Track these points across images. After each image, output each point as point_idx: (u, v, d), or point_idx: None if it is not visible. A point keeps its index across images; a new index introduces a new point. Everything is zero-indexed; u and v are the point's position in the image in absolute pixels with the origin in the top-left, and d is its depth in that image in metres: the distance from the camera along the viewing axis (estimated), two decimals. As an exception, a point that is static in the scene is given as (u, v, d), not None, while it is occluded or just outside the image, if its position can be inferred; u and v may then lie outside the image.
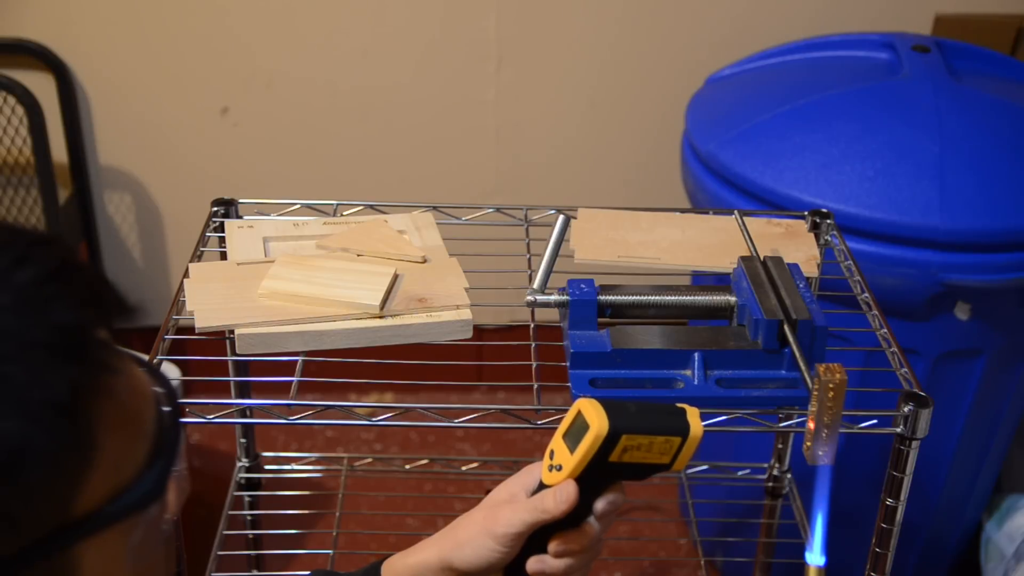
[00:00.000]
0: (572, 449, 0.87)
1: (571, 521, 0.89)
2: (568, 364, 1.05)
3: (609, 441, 0.85)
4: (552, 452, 0.89)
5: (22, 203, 2.10)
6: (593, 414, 0.86)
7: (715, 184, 1.67)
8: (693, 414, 0.88)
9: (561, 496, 0.87)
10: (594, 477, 0.88)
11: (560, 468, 0.88)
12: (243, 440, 1.50)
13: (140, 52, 2.07)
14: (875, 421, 1.01)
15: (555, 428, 0.90)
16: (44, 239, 0.59)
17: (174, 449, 0.64)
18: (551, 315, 1.09)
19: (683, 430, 0.87)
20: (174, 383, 0.73)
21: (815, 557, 0.87)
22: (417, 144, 2.18)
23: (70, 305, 0.57)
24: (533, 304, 1.08)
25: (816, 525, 0.89)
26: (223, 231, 1.24)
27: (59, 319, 0.56)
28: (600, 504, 0.89)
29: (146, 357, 0.80)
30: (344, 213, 1.31)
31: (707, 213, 1.31)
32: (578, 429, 0.87)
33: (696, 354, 1.03)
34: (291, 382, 1.03)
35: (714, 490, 1.83)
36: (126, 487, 0.60)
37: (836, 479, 1.77)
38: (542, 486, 0.90)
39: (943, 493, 1.77)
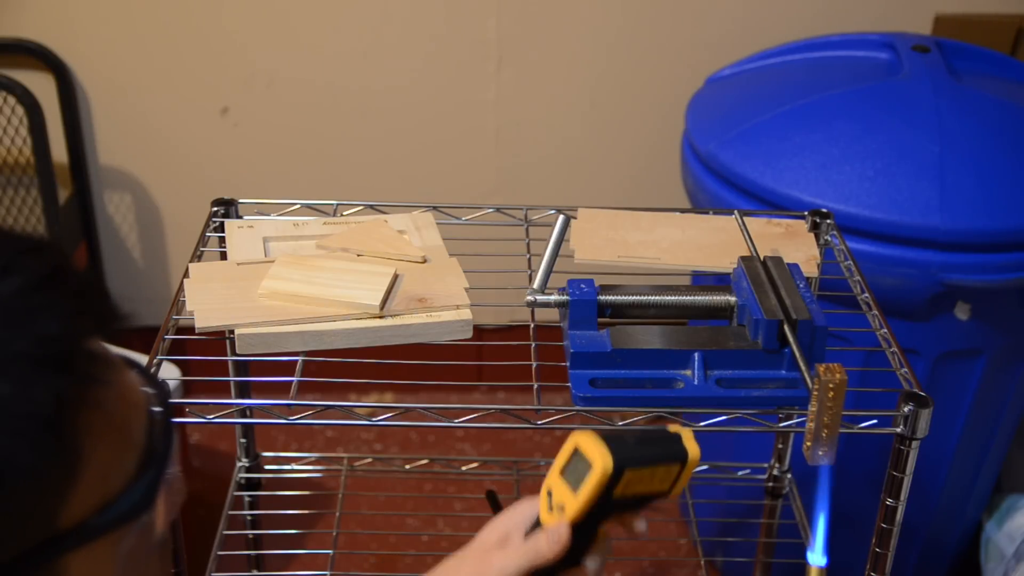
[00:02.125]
0: (575, 488, 0.84)
1: (569, 559, 0.87)
2: (568, 364, 1.05)
3: (614, 478, 0.83)
4: (551, 492, 0.87)
5: (22, 203, 2.10)
6: (595, 451, 0.83)
7: (715, 184, 1.67)
8: (688, 437, 0.88)
9: (554, 538, 0.86)
10: (595, 513, 0.86)
11: (563, 508, 0.85)
12: (243, 440, 1.50)
13: (140, 52, 2.07)
14: (875, 421, 1.01)
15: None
16: (35, 246, 0.58)
17: (164, 459, 0.62)
18: (551, 315, 1.09)
19: (682, 456, 0.87)
20: (174, 383, 0.73)
21: (816, 557, 0.87)
22: (417, 144, 2.18)
23: (57, 315, 0.56)
24: (533, 304, 1.08)
25: (818, 525, 0.89)
26: (223, 231, 1.24)
27: (45, 330, 0.55)
28: (591, 563, 0.88)
29: (143, 359, 0.80)
30: (344, 213, 1.31)
31: (707, 213, 1.31)
32: (578, 466, 0.84)
33: (696, 354, 1.03)
34: (291, 382, 1.03)
35: (714, 490, 1.83)
36: (114, 498, 0.59)
37: (836, 479, 1.76)
38: (538, 525, 0.88)
39: (943, 493, 1.77)
